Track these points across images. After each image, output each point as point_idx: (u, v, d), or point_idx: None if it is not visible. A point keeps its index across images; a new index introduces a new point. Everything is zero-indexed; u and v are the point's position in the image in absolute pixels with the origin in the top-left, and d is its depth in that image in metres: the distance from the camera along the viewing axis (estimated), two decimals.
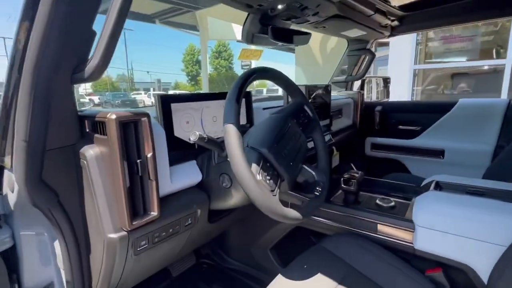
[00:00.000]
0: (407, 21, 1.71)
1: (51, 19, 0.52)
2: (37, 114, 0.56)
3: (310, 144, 0.97)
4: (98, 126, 0.63)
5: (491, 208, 0.82)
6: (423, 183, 1.13)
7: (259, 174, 0.64)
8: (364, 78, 2.08)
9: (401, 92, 5.25)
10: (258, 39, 1.25)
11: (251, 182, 0.60)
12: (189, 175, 0.83)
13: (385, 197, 1.11)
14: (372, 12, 1.45)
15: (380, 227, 1.00)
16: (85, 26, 0.58)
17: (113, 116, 0.59)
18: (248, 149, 0.71)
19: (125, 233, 0.64)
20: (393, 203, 1.06)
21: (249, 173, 0.61)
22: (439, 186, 1.04)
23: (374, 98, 2.93)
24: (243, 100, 1.06)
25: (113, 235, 0.63)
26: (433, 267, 0.90)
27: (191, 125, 0.86)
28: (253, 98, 1.23)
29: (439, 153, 1.75)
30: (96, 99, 27.37)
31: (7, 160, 0.69)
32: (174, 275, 1.32)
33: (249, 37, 1.25)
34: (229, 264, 1.48)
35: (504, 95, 4.43)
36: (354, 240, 0.98)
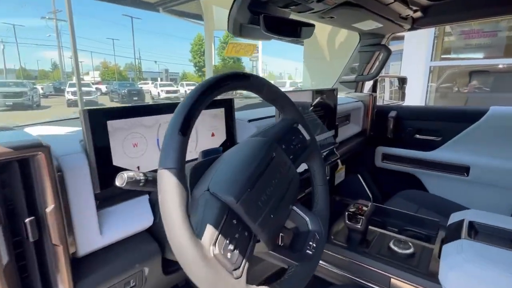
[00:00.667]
0: (432, 12, 1.43)
1: None
2: None
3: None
4: None
5: None
6: (451, 219, 0.89)
7: (215, 245, 0.41)
8: (377, 78, 1.82)
9: (415, 90, 4.91)
10: (248, 31, 1.01)
11: (196, 263, 0.38)
12: (134, 218, 0.61)
13: (401, 237, 0.87)
14: (391, 1, 1.18)
15: (394, 282, 0.77)
16: None
17: None
18: (207, 197, 0.48)
19: None
20: (411, 249, 0.82)
21: (194, 249, 0.38)
22: (473, 229, 0.80)
23: (387, 98, 2.65)
24: (222, 110, 0.82)
25: None
26: None
27: (141, 148, 0.63)
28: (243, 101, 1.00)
29: (463, 170, 1.49)
30: (103, 88, 27.34)
31: None
32: None
33: (237, 28, 1.00)
34: None
35: None
36: None
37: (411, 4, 1.31)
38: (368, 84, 1.87)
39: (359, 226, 0.83)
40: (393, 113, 1.68)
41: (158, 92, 22.96)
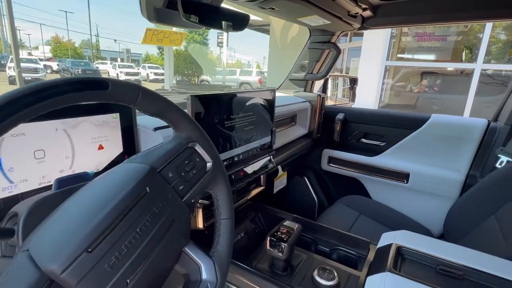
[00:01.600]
0: (383, 13, 1.37)
1: None
2: None
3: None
4: None
5: None
6: (382, 241, 0.82)
7: None
8: (328, 77, 1.74)
9: (371, 87, 5.05)
10: (165, 17, 0.84)
11: None
12: None
13: (327, 264, 0.79)
14: None
15: None
16: None
17: None
18: (22, 260, 0.33)
19: None
20: (335, 280, 0.74)
21: None
22: (400, 256, 0.74)
23: (340, 96, 2.63)
24: (116, 115, 0.65)
25: None
26: None
27: None
28: None
29: (403, 177, 1.48)
30: (54, 65, 24.75)
31: None
32: None
33: (151, 13, 0.82)
34: None
35: (470, 97, 4.39)
36: None
37: (360, 1, 1.22)
38: (319, 83, 1.79)
39: (281, 255, 0.73)
40: (340, 116, 1.62)
41: (117, 74, 21.37)
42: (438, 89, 5.60)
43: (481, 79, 4.27)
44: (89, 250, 0.35)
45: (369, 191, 1.61)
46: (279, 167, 1.30)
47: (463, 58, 4.89)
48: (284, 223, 0.81)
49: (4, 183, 0.50)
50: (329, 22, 1.29)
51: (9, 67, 15.80)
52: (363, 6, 1.27)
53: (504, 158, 1.21)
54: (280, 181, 1.34)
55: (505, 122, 1.26)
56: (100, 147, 0.63)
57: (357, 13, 1.31)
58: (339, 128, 1.63)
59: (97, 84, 0.38)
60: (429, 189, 1.42)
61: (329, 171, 1.70)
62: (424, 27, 4.92)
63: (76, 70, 19.28)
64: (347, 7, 1.22)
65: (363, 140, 1.62)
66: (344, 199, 1.48)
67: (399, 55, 5.45)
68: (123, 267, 0.37)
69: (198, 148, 0.52)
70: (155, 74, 22.64)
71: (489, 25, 4.21)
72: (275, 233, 0.77)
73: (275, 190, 1.28)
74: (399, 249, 0.75)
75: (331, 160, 1.68)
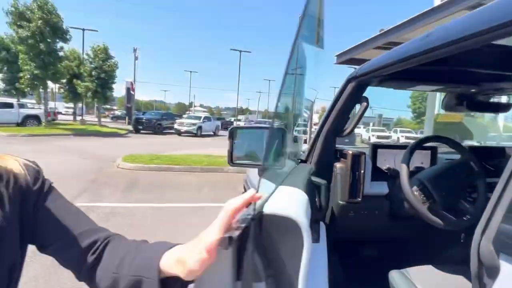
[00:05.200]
0: None
1: None
2: None
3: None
4: None
5: None
6: None
7: (416, 192, 1.22)
8: None
9: None
10: (454, 109, 1.70)
11: (409, 192, 1.21)
12: None
13: None
14: None
15: None
16: None
17: None
18: (415, 178, 1.30)
19: None
20: None
21: (409, 188, 1.22)
22: None
23: None
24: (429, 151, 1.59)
25: None
26: None
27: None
28: None
29: None
30: None
31: None
32: None
33: (448, 108, 1.72)
34: None
35: None
36: None
37: None
38: None
39: None
40: None
41: (369, 137, 23.83)
42: None
43: None
44: (434, 178, 1.27)
45: None
46: None
47: None
48: None
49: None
50: None
51: None
52: None
53: None
54: None
55: None
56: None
57: None
58: None
59: (437, 137, 1.33)
60: None
61: None
62: None
63: None
64: None
65: None
66: None
67: None
68: (445, 188, 1.26)
69: (472, 164, 1.32)
70: (406, 137, 22.80)
71: None
72: None
73: None
74: None
75: None
